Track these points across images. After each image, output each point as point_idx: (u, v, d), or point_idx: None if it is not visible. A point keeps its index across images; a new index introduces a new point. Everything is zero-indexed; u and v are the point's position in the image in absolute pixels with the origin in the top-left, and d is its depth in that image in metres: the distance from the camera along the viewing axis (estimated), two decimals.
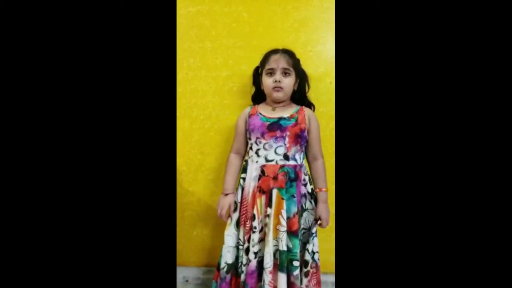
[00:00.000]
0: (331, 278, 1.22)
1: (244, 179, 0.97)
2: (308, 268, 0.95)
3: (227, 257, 0.95)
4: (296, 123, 0.94)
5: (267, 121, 0.95)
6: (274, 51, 0.96)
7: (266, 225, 0.91)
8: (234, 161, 1.01)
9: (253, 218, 0.91)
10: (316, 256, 0.96)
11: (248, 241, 0.92)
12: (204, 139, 1.24)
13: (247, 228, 0.93)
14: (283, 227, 0.89)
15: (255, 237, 0.90)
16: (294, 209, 0.91)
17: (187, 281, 1.28)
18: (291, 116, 0.95)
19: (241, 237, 0.95)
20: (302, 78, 1.01)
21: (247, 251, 0.92)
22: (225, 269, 0.95)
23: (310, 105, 1.05)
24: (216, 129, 1.24)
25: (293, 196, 0.91)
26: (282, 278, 0.88)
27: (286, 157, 0.93)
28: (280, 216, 0.89)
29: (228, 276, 0.96)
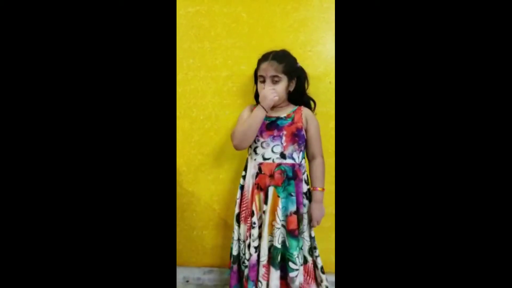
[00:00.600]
0: (331, 278, 1.22)
1: (244, 177, 1.00)
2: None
3: (233, 249, 1.01)
4: (293, 122, 0.95)
5: (266, 119, 0.96)
6: (264, 58, 0.96)
7: (263, 221, 0.93)
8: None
9: (252, 214, 0.94)
10: (316, 252, 0.99)
11: (250, 236, 0.94)
12: (204, 139, 1.24)
13: (248, 224, 0.95)
14: (278, 224, 0.90)
15: (255, 232, 0.93)
16: (292, 208, 0.91)
17: (187, 281, 1.28)
18: (288, 116, 0.97)
19: (241, 232, 0.98)
20: (299, 77, 1.00)
21: (249, 246, 0.94)
22: (231, 259, 1.01)
23: (310, 101, 1.05)
24: (216, 129, 1.24)
25: (291, 195, 0.92)
26: (274, 273, 0.90)
27: (283, 155, 0.94)
28: (275, 213, 0.91)
29: (235, 267, 1.00)
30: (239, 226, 1.00)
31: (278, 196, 0.91)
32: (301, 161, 0.97)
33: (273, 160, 0.94)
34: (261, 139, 0.96)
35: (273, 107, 0.98)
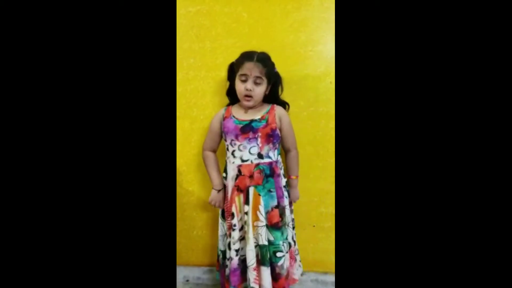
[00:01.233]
0: (331, 278, 1.23)
1: (225, 177, 1.04)
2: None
3: (220, 245, 1.06)
4: (267, 124, 0.98)
5: (240, 123, 0.99)
6: (249, 58, 0.97)
7: (246, 222, 0.95)
8: (212, 156, 1.08)
9: (232, 216, 0.96)
10: (293, 244, 1.06)
11: (229, 236, 0.98)
12: (204, 139, 1.24)
13: (227, 224, 0.99)
14: (262, 223, 0.93)
15: (235, 235, 0.95)
16: (273, 203, 0.96)
17: (187, 281, 1.28)
18: (262, 118, 0.99)
19: (225, 232, 1.02)
20: (275, 82, 1.05)
21: (229, 245, 0.98)
22: (221, 256, 1.06)
23: (283, 104, 1.08)
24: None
25: (270, 191, 0.96)
26: (265, 271, 0.92)
27: (260, 156, 0.98)
28: (258, 212, 0.93)
29: (223, 264, 1.04)
30: (224, 222, 1.04)
31: (259, 195, 0.95)
32: (277, 158, 1.02)
33: (251, 161, 0.97)
34: (238, 142, 0.99)
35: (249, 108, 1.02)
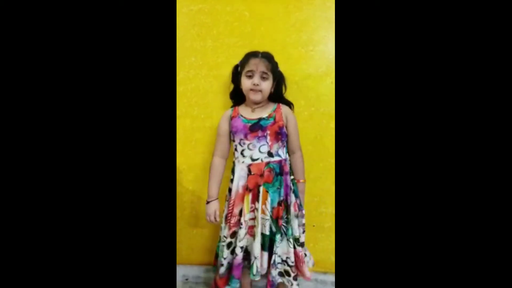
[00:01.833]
0: (331, 278, 1.23)
1: (232, 180, 1.02)
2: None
3: (222, 245, 1.03)
4: (275, 122, 0.99)
5: (248, 122, 1.00)
6: (254, 54, 1.00)
7: (252, 218, 0.97)
8: (219, 166, 1.04)
9: (240, 214, 0.97)
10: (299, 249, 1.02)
11: (231, 236, 0.98)
12: (205, 138, 1.24)
13: (231, 224, 0.98)
14: (267, 216, 0.95)
15: (242, 232, 0.95)
16: (280, 199, 0.97)
17: (187, 279, 1.28)
18: (270, 116, 1.00)
19: (225, 234, 1.01)
20: (279, 80, 1.06)
21: (228, 245, 0.98)
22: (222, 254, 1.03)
23: (288, 103, 1.09)
24: (217, 128, 1.23)
25: (278, 188, 0.97)
26: (264, 255, 0.95)
27: (270, 154, 0.98)
28: (264, 206, 0.95)
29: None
30: (225, 227, 1.03)
31: (267, 192, 0.96)
32: (286, 156, 1.02)
33: (261, 160, 0.97)
34: (247, 142, 0.99)
35: (256, 104, 1.03)
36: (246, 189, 0.97)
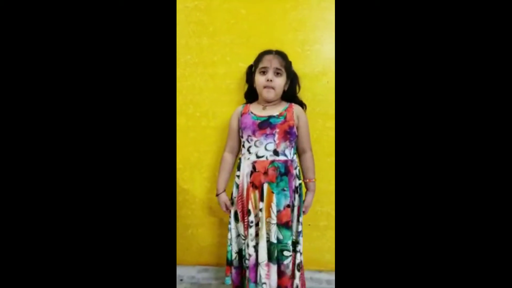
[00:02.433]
0: (325, 276, 1.24)
1: (238, 176, 1.01)
2: (300, 270, 0.99)
3: (235, 248, 1.01)
4: (285, 121, 0.98)
5: (257, 119, 0.99)
6: (268, 52, 1.02)
7: (260, 219, 0.95)
8: (229, 159, 1.06)
9: (248, 213, 0.95)
10: (298, 258, 0.99)
11: (248, 236, 0.95)
12: (200, 136, 1.23)
13: (245, 224, 0.97)
14: (273, 220, 0.92)
15: (252, 231, 0.94)
16: (285, 202, 0.94)
17: (181, 280, 1.27)
18: (280, 114, 0.99)
19: (241, 231, 0.99)
20: (293, 80, 1.06)
21: (248, 246, 0.96)
22: (236, 258, 1.01)
23: (301, 104, 1.08)
24: (212, 126, 1.22)
25: (284, 190, 0.94)
26: (273, 268, 0.93)
27: (276, 152, 0.97)
28: (270, 209, 0.93)
29: (234, 271, 1.01)
30: (237, 225, 1.01)
31: (272, 192, 0.94)
32: (292, 157, 1.00)
33: (266, 158, 0.96)
34: (254, 138, 0.98)
35: (268, 102, 1.03)
36: (252, 186, 0.96)
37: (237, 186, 1.01)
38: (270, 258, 0.93)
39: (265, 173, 0.95)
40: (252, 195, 0.95)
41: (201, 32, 1.20)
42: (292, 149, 1.00)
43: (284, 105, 1.03)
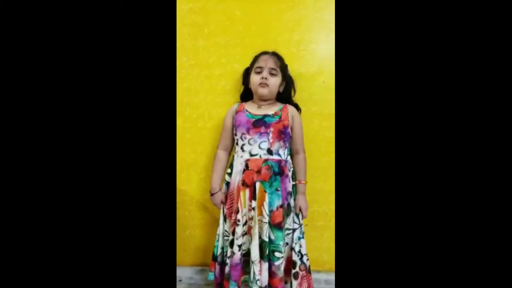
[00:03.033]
0: (324, 276, 1.23)
1: (229, 174, 1.02)
2: (297, 269, 0.98)
3: (221, 243, 1.01)
4: (280, 120, 0.99)
5: (252, 117, 1.00)
6: (264, 53, 1.04)
7: (251, 218, 0.94)
8: (222, 157, 1.06)
9: (237, 211, 0.95)
10: (304, 259, 0.99)
11: (233, 234, 0.96)
12: (196, 137, 1.24)
13: (232, 221, 0.97)
14: (265, 219, 0.92)
15: (239, 230, 0.94)
16: (278, 203, 0.94)
17: (180, 280, 1.27)
18: (275, 114, 1.00)
19: (227, 228, 1.00)
20: (288, 82, 1.07)
21: (231, 243, 0.96)
22: (222, 255, 1.02)
23: (296, 106, 1.09)
24: (209, 127, 1.23)
25: (277, 190, 0.95)
26: (264, 265, 0.92)
27: (269, 151, 0.97)
28: (262, 208, 0.93)
29: (218, 267, 1.01)
30: (225, 223, 1.01)
31: (265, 191, 0.93)
32: (286, 157, 1.00)
33: (260, 156, 0.96)
34: (248, 136, 0.98)
35: (264, 100, 1.03)
36: (243, 184, 0.96)
37: (227, 184, 1.02)
38: (262, 257, 0.93)
39: (258, 171, 0.94)
40: (241, 194, 0.95)
41: (197, 34, 1.20)
42: (286, 149, 1.00)
43: (279, 105, 1.04)
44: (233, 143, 1.06)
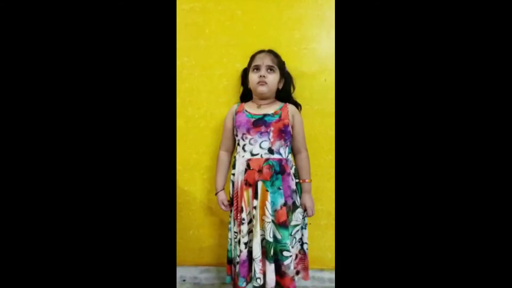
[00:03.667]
0: (328, 275, 1.24)
1: (234, 174, 1.02)
2: (296, 252, 1.00)
3: (232, 248, 1.03)
4: (280, 119, 0.99)
5: (252, 117, 1.00)
6: (260, 51, 1.04)
7: (254, 216, 0.95)
8: (224, 158, 1.07)
9: (241, 210, 0.96)
10: (305, 246, 1.02)
11: (240, 232, 0.96)
12: (199, 138, 1.24)
13: (238, 221, 0.98)
14: (268, 218, 0.92)
15: (244, 228, 0.95)
16: (281, 201, 0.94)
17: (184, 280, 1.28)
18: (275, 113, 1.00)
19: (235, 229, 1.00)
20: (287, 79, 1.07)
21: (239, 242, 0.97)
22: (231, 262, 1.03)
23: (296, 104, 1.09)
24: (211, 127, 1.23)
25: (279, 189, 0.95)
26: (269, 267, 0.92)
27: (270, 151, 0.97)
28: (265, 207, 0.93)
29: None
30: (234, 224, 1.02)
31: (267, 191, 0.94)
32: (287, 156, 1.00)
33: (261, 156, 0.96)
34: (249, 136, 0.98)
35: (263, 99, 1.03)
36: (246, 184, 0.96)
37: (233, 184, 1.03)
38: (267, 256, 0.93)
39: (260, 171, 0.95)
40: (245, 193, 0.96)
41: (197, 34, 1.20)
42: (287, 148, 1.00)
43: (279, 104, 1.04)
44: (235, 143, 1.06)
